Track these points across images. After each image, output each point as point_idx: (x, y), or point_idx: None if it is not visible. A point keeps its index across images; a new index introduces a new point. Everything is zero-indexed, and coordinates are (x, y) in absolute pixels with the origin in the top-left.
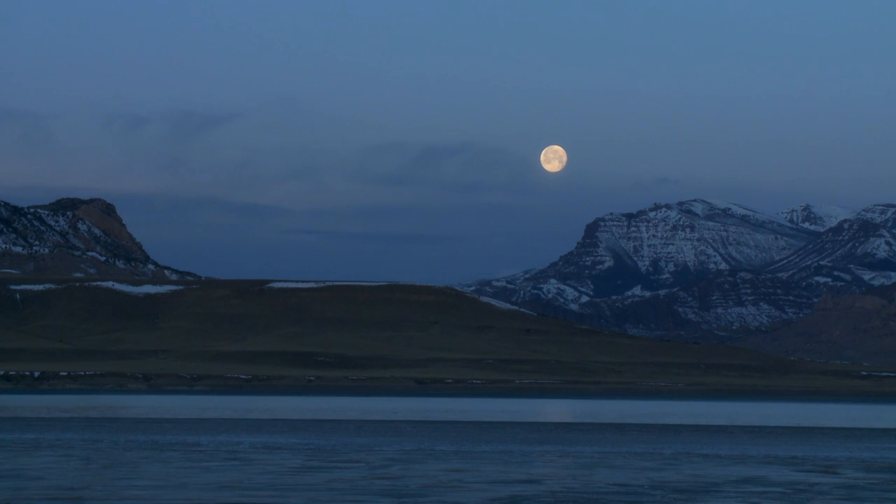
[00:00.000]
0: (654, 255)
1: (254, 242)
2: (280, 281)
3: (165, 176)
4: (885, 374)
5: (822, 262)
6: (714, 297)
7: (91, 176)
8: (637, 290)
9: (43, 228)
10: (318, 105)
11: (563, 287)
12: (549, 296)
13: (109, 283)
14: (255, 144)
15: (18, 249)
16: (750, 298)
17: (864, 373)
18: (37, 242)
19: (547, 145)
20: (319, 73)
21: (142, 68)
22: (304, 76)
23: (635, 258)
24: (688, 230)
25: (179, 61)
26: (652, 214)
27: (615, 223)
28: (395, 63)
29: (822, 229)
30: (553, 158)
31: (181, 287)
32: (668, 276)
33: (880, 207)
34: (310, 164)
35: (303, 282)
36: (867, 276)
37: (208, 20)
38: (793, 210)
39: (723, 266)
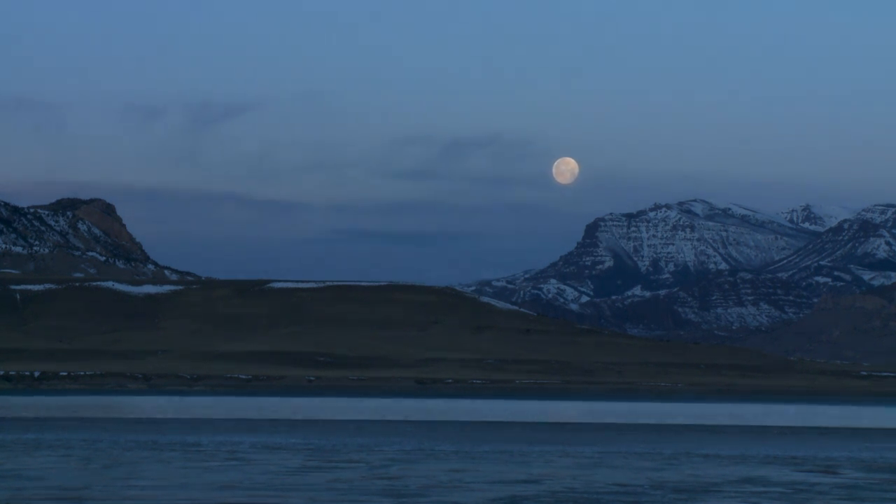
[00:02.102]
0: (654, 255)
1: (261, 241)
2: (280, 281)
3: (180, 169)
4: (885, 374)
5: (822, 262)
6: (714, 297)
7: (104, 168)
8: (637, 290)
9: (43, 228)
10: (340, 95)
11: (563, 287)
12: (549, 296)
13: (109, 283)
14: (274, 137)
15: (18, 249)
16: (750, 298)
17: (864, 373)
18: (37, 242)
19: (566, 139)
20: (344, 62)
21: (160, 58)
22: (328, 65)
23: (635, 258)
24: (688, 230)
25: (199, 51)
26: (652, 214)
27: (615, 223)
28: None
29: (822, 229)
30: (565, 171)
31: (181, 287)
32: (668, 276)
33: (880, 207)
34: (330, 158)
35: (303, 282)
36: (867, 276)
37: (229, 8)
38: (793, 210)
39: (723, 266)
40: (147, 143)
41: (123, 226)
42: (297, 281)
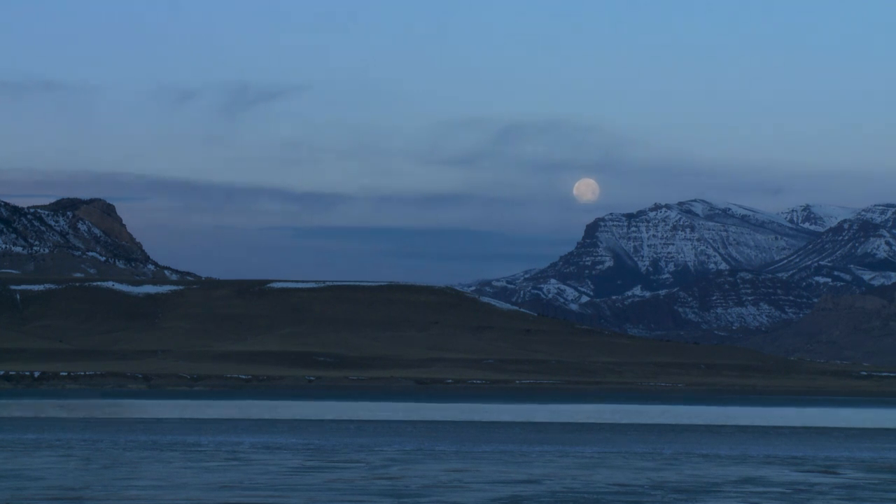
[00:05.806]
0: (654, 255)
1: (264, 240)
2: (280, 281)
3: (208, 157)
4: (885, 374)
5: (822, 262)
6: (714, 297)
7: (127, 156)
8: (637, 290)
9: (43, 228)
10: (385, 77)
11: (563, 287)
12: (549, 296)
13: (109, 283)
14: (312, 122)
15: (18, 249)
16: (750, 298)
17: (864, 373)
18: (37, 242)
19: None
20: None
21: (195, 37)
22: (373, 44)
23: (635, 258)
24: (688, 230)
25: (236, 31)
26: (652, 214)
27: (615, 223)
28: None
29: (822, 229)
30: (587, 191)
31: (181, 287)
32: (668, 276)
33: (880, 207)
34: (374, 143)
35: (303, 282)
36: (867, 276)
37: None
38: (793, 210)
39: (723, 266)
40: (174, 129)
41: (123, 226)
42: (296, 281)
